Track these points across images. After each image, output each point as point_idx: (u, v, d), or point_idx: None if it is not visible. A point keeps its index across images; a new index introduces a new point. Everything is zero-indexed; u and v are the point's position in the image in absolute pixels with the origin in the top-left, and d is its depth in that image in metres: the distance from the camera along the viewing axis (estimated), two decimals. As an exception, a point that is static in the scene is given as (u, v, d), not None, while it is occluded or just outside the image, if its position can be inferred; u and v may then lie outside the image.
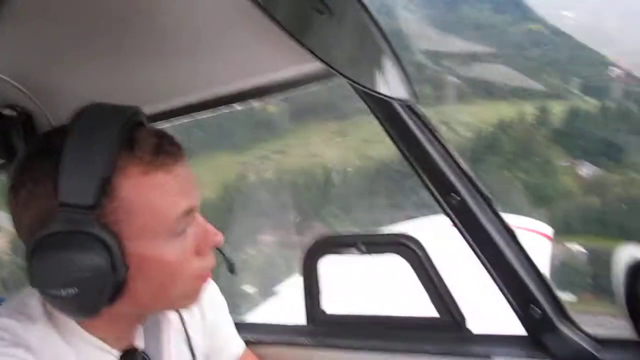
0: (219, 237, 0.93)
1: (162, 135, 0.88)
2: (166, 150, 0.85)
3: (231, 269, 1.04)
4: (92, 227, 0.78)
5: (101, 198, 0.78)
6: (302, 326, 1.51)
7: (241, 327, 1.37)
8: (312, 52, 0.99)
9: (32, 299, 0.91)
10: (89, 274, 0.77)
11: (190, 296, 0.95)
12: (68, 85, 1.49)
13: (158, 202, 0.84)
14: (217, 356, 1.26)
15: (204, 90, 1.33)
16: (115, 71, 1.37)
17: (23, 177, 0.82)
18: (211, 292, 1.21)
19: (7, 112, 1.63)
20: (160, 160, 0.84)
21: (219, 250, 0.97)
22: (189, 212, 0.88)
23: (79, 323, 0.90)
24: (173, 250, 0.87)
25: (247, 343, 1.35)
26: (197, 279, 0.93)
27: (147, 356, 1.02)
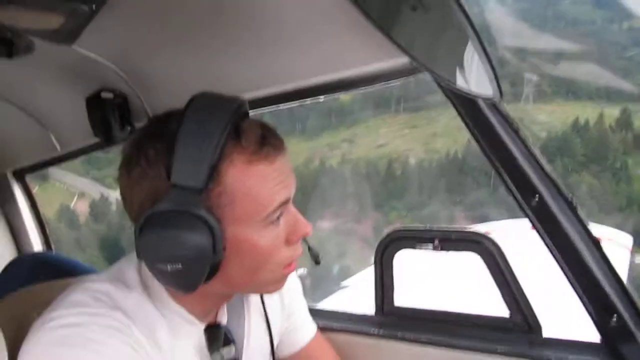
0: (309, 228, 0.98)
1: (266, 128, 0.93)
2: (270, 142, 0.91)
3: (316, 259, 1.08)
4: (199, 209, 0.83)
5: (209, 183, 0.84)
6: (371, 316, 1.54)
7: (313, 312, 1.41)
8: (402, 48, 1.00)
9: (130, 268, 0.99)
10: (193, 252, 0.83)
11: (276, 282, 1.01)
12: (163, 72, 1.57)
13: (259, 191, 0.89)
14: (291, 336, 1.31)
15: (291, 81, 1.37)
16: (208, 61, 1.43)
17: (138, 157, 0.88)
18: (290, 276, 1.26)
19: (105, 94, 1.74)
20: (264, 152, 0.89)
21: (304, 240, 1.02)
22: (285, 202, 0.93)
23: (171, 295, 0.97)
24: (267, 237, 0.92)
25: (318, 328, 1.39)
26: (285, 267, 0.99)
27: (229, 331, 1.07)
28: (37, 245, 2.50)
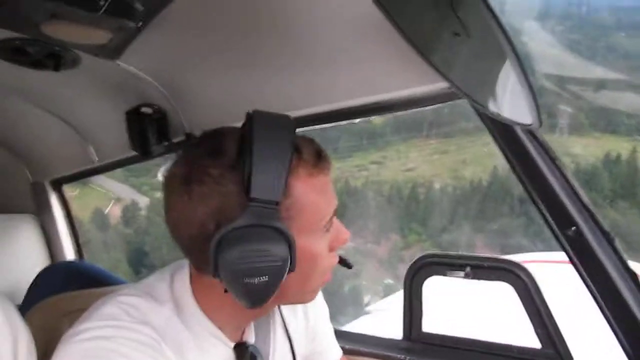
0: (348, 235, 1.02)
1: (317, 143, 0.97)
2: (324, 156, 0.96)
3: (348, 265, 1.09)
4: (277, 222, 0.86)
5: (282, 195, 0.86)
6: (399, 341, 1.52)
7: (339, 334, 1.40)
8: (441, 73, 1.01)
9: (162, 284, 0.99)
10: (279, 263, 0.85)
11: (316, 290, 1.03)
12: (202, 90, 1.60)
13: (320, 201, 0.93)
14: (315, 358, 1.30)
15: (329, 103, 1.38)
16: (247, 80, 1.45)
17: (199, 174, 0.88)
18: (318, 299, 1.27)
19: (144, 109, 1.78)
20: (321, 165, 0.94)
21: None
22: (336, 210, 0.98)
23: (203, 311, 0.97)
24: (321, 245, 0.96)
25: (343, 351, 1.37)
26: (325, 275, 1.01)
27: (257, 351, 1.07)
28: (69, 253, 2.54)
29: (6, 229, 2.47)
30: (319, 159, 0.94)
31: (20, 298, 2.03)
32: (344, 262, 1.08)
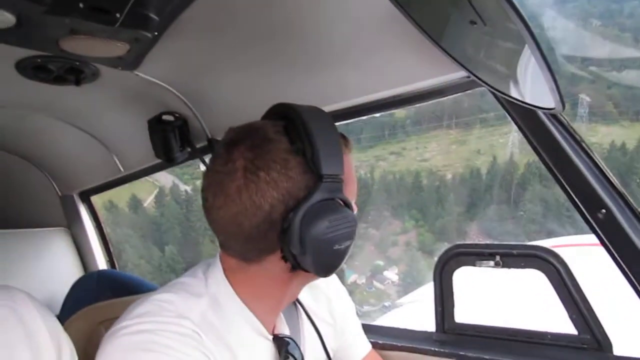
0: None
1: (341, 134, 1.06)
2: (347, 142, 1.10)
3: None
4: (342, 193, 0.96)
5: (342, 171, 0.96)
6: (431, 333, 1.51)
7: (370, 329, 1.40)
8: (459, 62, 1.00)
9: (197, 279, 1.02)
10: (355, 227, 0.96)
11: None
12: (221, 94, 1.61)
13: (352, 174, 1.09)
14: (345, 353, 1.31)
15: (347, 99, 1.38)
16: (264, 82, 1.46)
17: (264, 162, 0.91)
18: (341, 293, 1.27)
19: (166, 117, 1.80)
20: (349, 145, 1.11)
21: None
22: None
23: (244, 302, 1.00)
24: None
25: (375, 345, 1.37)
26: None
27: (295, 343, 1.09)
28: (101, 263, 2.59)
29: (40, 243, 2.53)
30: (347, 140, 1.10)
31: (56, 309, 2.08)
32: None
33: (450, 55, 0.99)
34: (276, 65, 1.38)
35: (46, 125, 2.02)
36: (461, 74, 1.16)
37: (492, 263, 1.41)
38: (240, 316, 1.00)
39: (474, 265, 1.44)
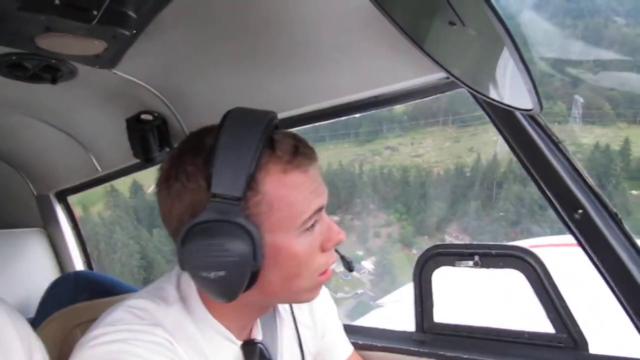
0: (342, 236, 1.00)
1: (298, 138, 0.96)
2: (302, 152, 0.93)
3: (349, 267, 1.08)
4: (239, 217, 0.86)
5: (247, 192, 0.87)
6: (411, 333, 1.52)
7: (350, 329, 1.40)
8: (438, 63, 1.00)
9: (169, 285, 1.01)
10: (236, 259, 0.85)
11: (312, 290, 1.01)
12: (201, 94, 1.60)
13: (295, 198, 0.91)
14: (326, 356, 1.30)
15: (327, 100, 1.38)
16: (245, 82, 1.45)
17: (177, 172, 0.91)
18: (322, 295, 1.26)
19: (145, 116, 1.78)
20: (298, 161, 0.92)
21: (335, 249, 1.03)
22: (319, 210, 0.95)
23: (209, 310, 0.99)
24: (303, 244, 0.94)
25: (355, 346, 1.37)
26: (320, 275, 0.99)
27: (266, 348, 1.08)
28: (78, 264, 2.55)
29: (15, 244, 2.48)
30: (296, 154, 0.92)
31: (33, 311, 2.05)
32: (344, 264, 1.08)
33: (430, 56, 0.99)
34: (255, 64, 1.37)
35: (22, 124, 1.99)
36: (440, 75, 1.16)
37: (471, 263, 1.42)
38: (208, 324, 0.99)
39: (453, 265, 1.45)
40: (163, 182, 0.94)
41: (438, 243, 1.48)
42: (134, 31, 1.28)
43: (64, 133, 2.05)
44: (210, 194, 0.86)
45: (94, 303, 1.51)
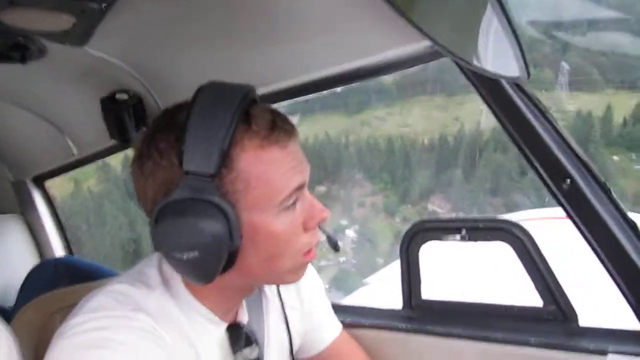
0: (326, 214, 0.96)
1: (276, 113, 0.92)
2: (281, 127, 0.89)
3: (335, 246, 1.05)
4: (213, 195, 0.82)
5: (221, 168, 0.83)
6: (399, 310, 1.50)
7: (338, 309, 1.37)
8: (421, 30, 0.96)
9: (151, 268, 0.97)
10: (209, 239, 0.82)
11: (296, 271, 0.98)
12: (177, 71, 1.55)
13: (273, 175, 0.88)
14: (315, 335, 1.28)
15: (311, 72, 1.34)
16: (224, 56, 1.40)
17: (149, 150, 0.88)
18: (309, 274, 1.23)
19: (120, 96, 1.72)
20: (275, 136, 0.88)
21: (321, 227, 0.99)
22: (300, 187, 0.92)
23: (192, 293, 0.95)
24: (283, 223, 0.90)
25: (344, 325, 1.35)
26: (304, 254, 0.96)
27: (251, 331, 1.05)
28: (58, 250, 2.50)
29: None
30: (273, 129, 0.88)
31: (12, 299, 2.01)
32: (330, 243, 1.05)
33: (413, 23, 0.95)
34: (233, 39, 1.33)
35: (-6, 108, 1.92)
36: (425, 43, 1.12)
37: (458, 237, 1.39)
38: (191, 307, 0.96)
39: (441, 239, 1.42)
40: (136, 161, 0.91)
41: (424, 218, 1.46)
42: (104, 5, 1.22)
43: (38, 116, 1.99)
44: (183, 171, 0.82)
45: (74, 289, 1.47)
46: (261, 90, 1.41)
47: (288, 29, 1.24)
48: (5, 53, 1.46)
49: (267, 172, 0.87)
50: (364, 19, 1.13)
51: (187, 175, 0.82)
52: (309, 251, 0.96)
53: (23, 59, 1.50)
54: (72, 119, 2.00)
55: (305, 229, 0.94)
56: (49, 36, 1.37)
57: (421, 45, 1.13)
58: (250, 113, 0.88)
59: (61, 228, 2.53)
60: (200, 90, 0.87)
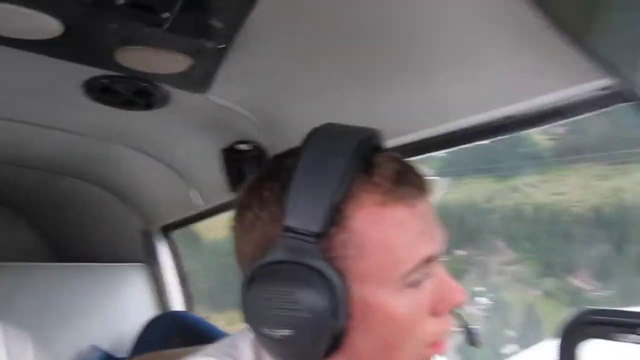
0: (462, 297, 0.73)
1: (404, 163, 0.72)
2: (409, 180, 0.70)
3: (473, 341, 0.81)
4: (316, 260, 0.65)
5: (330, 227, 0.66)
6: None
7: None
8: (603, 63, 0.72)
9: (244, 341, 0.81)
10: (307, 315, 0.64)
11: None
12: (304, 122, 1.41)
13: (396, 240, 0.68)
14: None
15: (452, 121, 1.13)
16: (358, 104, 1.25)
17: (250, 200, 0.73)
18: None
19: (240, 146, 1.64)
20: (402, 191, 0.69)
21: (456, 314, 0.76)
22: (430, 259, 0.70)
23: None
24: (405, 304, 0.69)
25: None
26: (430, 346, 0.73)
27: None
28: (177, 303, 2.46)
29: (116, 279, 2.46)
30: (399, 183, 0.69)
31: (127, 348, 2.06)
32: (467, 335, 0.80)
33: (596, 56, 0.71)
34: (366, 79, 1.16)
35: (124, 154, 1.94)
36: (596, 84, 0.87)
37: (635, 337, 1.07)
38: None
39: (611, 339, 1.10)
40: (237, 213, 0.76)
41: (591, 308, 1.15)
42: (221, 45, 1.13)
43: (165, 164, 1.97)
44: (283, 226, 0.65)
45: (177, 353, 1.39)
46: (406, 139, 1.24)
47: (425, 68, 1.06)
48: (131, 99, 1.44)
49: (389, 236, 0.68)
50: (526, 52, 0.90)
51: (287, 233, 0.65)
52: (435, 342, 0.73)
53: (147, 106, 1.48)
54: (196, 169, 1.96)
55: (434, 313, 0.72)
56: (168, 80, 1.32)
57: (592, 86, 0.88)
58: (371, 161, 0.70)
59: (183, 281, 2.49)
60: (313, 132, 0.71)
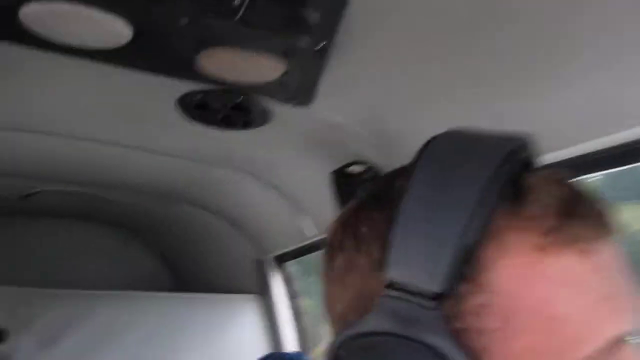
0: None
1: (573, 186, 0.45)
2: (583, 213, 0.42)
3: None
4: (436, 335, 0.40)
5: (458, 283, 0.40)
6: None
7: None
8: None
9: None
10: None
11: None
12: (429, 134, 1.18)
13: (565, 308, 0.40)
14: None
15: (622, 130, 0.83)
16: (489, 111, 1.01)
17: (343, 237, 0.49)
18: None
19: (352, 168, 1.44)
20: (573, 230, 0.41)
21: None
22: (619, 340, 0.42)
23: None
24: None
25: None
26: None
27: None
28: (290, 341, 2.29)
29: (228, 311, 2.35)
30: (567, 216, 0.41)
31: None
32: None
33: None
34: (499, 85, 0.92)
35: (228, 178, 1.83)
36: None
37: None
38: None
39: None
40: (325, 254, 0.52)
41: None
42: (318, 45, 0.93)
43: (273, 189, 1.83)
44: (385, 279, 0.41)
45: None
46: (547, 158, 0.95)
47: (588, 64, 0.78)
48: (228, 116, 1.30)
49: (554, 301, 0.41)
50: None
51: (391, 291, 0.41)
52: None
53: (246, 123, 1.34)
54: (308, 194, 1.80)
55: None
56: (263, 91, 1.15)
57: None
58: (521, 185, 0.43)
59: (297, 317, 2.32)
60: (430, 143, 0.46)
